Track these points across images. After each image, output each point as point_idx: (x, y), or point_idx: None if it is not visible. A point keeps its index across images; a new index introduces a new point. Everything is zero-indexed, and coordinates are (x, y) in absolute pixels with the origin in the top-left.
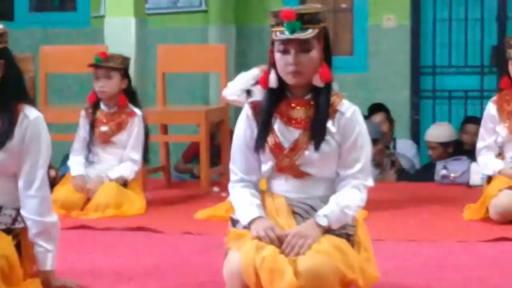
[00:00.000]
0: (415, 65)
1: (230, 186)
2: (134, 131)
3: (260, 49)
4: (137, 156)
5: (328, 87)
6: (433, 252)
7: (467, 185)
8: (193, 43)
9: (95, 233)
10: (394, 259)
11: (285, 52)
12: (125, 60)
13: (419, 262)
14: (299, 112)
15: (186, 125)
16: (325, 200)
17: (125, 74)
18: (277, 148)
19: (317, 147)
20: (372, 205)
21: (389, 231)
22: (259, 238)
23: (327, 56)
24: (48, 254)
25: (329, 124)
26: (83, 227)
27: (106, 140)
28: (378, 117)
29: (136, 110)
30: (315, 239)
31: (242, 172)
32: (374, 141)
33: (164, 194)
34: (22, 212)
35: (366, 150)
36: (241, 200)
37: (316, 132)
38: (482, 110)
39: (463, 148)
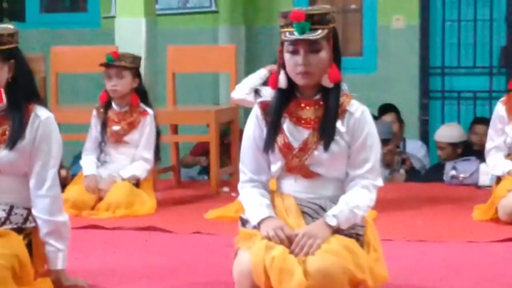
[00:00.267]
0: (424, 65)
1: (240, 186)
2: (146, 130)
3: (269, 50)
4: (149, 155)
5: (337, 87)
6: (442, 253)
7: (476, 185)
8: (203, 44)
9: (106, 232)
10: (403, 259)
11: (294, 52)
12: (136, 59)
13: (428, 262)
14: (308, 112)
15: (196, 125)
16: (334, 200)
17: (136, 73)
18: (287, 148)
19: (326, 147)
20: (381, 205)
21: (398, 231)
22: (268, 238)
23: (336, 57)
24: (59, 254)
25: (339, 124)
26: (93, 226)
27: (118, 139)
28: (388, 118)
29: (148, 109)
30: (325, 239)
31: (252, 172)
32: (385, 141)
33: (174, 194)
34: (33, 211)
35: (375, 150)
36: (251, 200)
37: (326, 132)
38: (491, 110)
39: (472, 149)
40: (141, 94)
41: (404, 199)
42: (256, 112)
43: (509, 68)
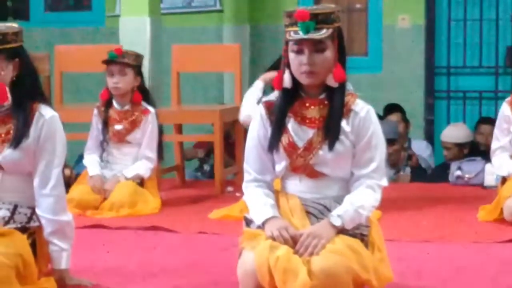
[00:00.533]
0: (430, 65)
1: (244, 186)
2: (148, 129)
3: (274, 49)
4: (152, 154)
5: (342, 87)
6: (447, 253)
7: (482, 186)
8: (207, 43)
9: (110, 232)
10: (407, 259)
11: (299, 52)
12: (139, 57)
13: (433, 262)
14: (313, 112)
15: (200, 125)
16: (339, 200)
17: (138, 71)
18: (291, 148)
19: (331, 147)
20: (386, 205)
21: (403, 232)
22: (273, 238)
23: (341, 56)
24: (63, 253)
25: (343, 123)
26: (97, 226)
27: (121, 139)
28: (393, 118)
29: (150, 108)
30: (329, 239)
31: (256, 172)
32: (391, 141)
33: (178, 193)
34: (37, 210)
35: (380, 150)
36: (255, 200)
37: (330, 132)
38: (496, 110)
39: (477, 149)
40: (143, 92)
41: (409, 199)
42: (260, 112)
43: None
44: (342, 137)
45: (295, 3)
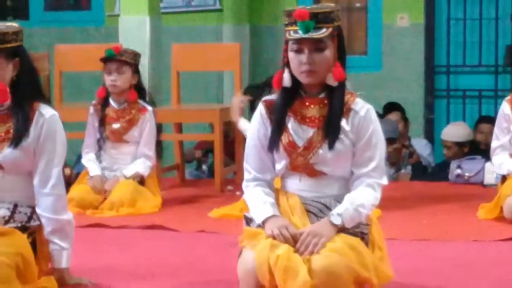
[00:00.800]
0: (429, 64)
1: (244, 185)
2: (146, 127)
3: (274, 48)
4: (151, 152)
5: (342, 86)
6: (447, 252)
7: (482, 184)
8: (207, 42)
9: (110, 231)
10: (407, 258)
11: (299, 51)
12: (137, 56)
13: (433, 261)
14: (313, 111)
15: (200, 124)
16: (339, 199)
17: (136, 70)
18: (291, 147)
19: (331, 146)
20: (386, 204)
21: (403, 230)
22: (273, 237)
23: (341, 55)
24: (63, 252)
25: (343, 122)
26: (98, 225)
27: (119, 138)
28: (393, 116)
29: (147, 106)
30: (329, 237)
31: (256, 170)
32: (391, 140)
33: (178, 192)
34: (37, 210)
35: (380, 149)
36: (255, 199)
37: (330, 131)
38: (496, 109)
39: (477, 148)
40: (140, 91)
41: (409, 197)
42: (260, 111)
43: None
44: (342, 136)
45: (295, 2)
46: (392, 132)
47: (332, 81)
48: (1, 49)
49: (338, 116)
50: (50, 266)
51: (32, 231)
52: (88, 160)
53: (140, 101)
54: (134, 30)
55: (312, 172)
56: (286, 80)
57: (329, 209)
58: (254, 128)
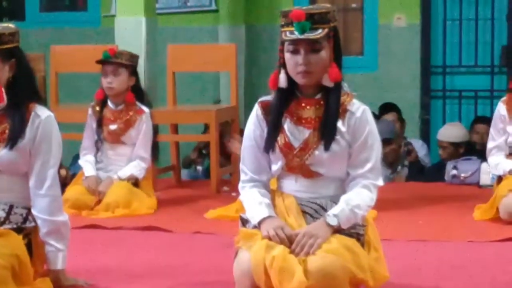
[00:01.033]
0: (425, 64)
1: (240, 185)
2: (142, 128)
3: (270, 49)
4: (146, 154)
5: (338, 86)
6: (443, 252)
7: (477, 185)
8: (203, 43)
9: (106, 232)
10: (403, 258)
11: (295, 52)
12: (133, 57)
13: (429, 262)
14: (309, 112)
15: (196, 125)
16: (335, 199)
17: (133, 71)
18: (287, 148)
19: (327, 147)
20: (382, 204)
21: (399, 231)
22: (269, 238)
23: (337, 56)
24: (58, 253)
25: (339, 123)
26: (93, 226)
27: (116, 139)
28: (389, 117)
29: (144, 108)
30: (325, 238)
31: (252, 171)
32: (388, 141)
33: (174, 193)
34: (33, 211)
35: (376, 150)
36: (251, 200)
37: (326, 132)
38: (492, 110)
39: (473, 148)
40: (138, 92)
41: (405, 198)
42: (256, 112)
43: (510, 67)
44: (338, 137)
45: (291, 3)
46: (388, 132)
47: (328, 82)
48: None
49: (334, 117)
50: (46, 267)
51: (28, 233)
52: (85, 161)
53: (138, 103)
54: (130, 31)
55: (308, 173)
56: (282, 81)
57: (325, 210)
58: (250, 129)
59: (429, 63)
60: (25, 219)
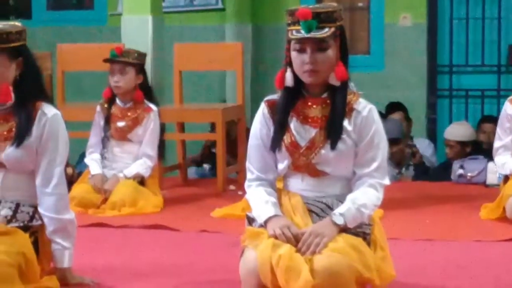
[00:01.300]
0: (432, 64)
1: (247, 184)
2: (150, 126)
3: (276, 48)
4: (152, 152)
5: (344, 85)
6: (450, 252)
7: (484, 184)
8: (209, 41)
9: (112, 230)
10: (410, 258)
11: (301, 51)
12: (141, 56)
13: (435, 261)
14: (315, 111)
15: (203, 123)
16: (341, 198)
17: (140, 69)
18: (293, 147)
19: (333, 146)
20: (389, 204)
21: (405, 230)
22: (275, 237)
23: (343, 55)
24: (65, 252)
25: (346, 122)
26: (100, 224)
27: (123, 136)
28: (395, 116)
29: (152, 106)
30: (331, 237)
31: (258, 170)
32: (395, 140)
33: (181, 192)
34: (40, 209)
35: (382, 149)
36: (257, 199)
37: (333, 131)
38: (499, 109)
39: (480, 148)
40: (146, 90)
41: (411, 198)
42: (263, 111)
43: None
44: (344, 136)
45: (297, 1)
46: (396, 132)
47: (334, 81)
48: (5, 49)
49: (341, 116)
50: (52, 265)
51: (34, 231)
52: (91, 159)
53: (146, 101)
54: (136, 30)
55: (314, 172)
56: (289, 80)
57: (331, 209)
58: (256, 128)
59: (435, 62)
60: (32, 217)
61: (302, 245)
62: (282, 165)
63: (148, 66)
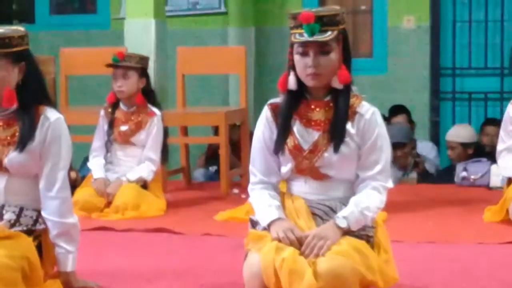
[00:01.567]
0: (435, 66)
1: (250, 187)
2: (153, 131)
3: (279, 51)
4: (155, 156)
5: (347, 88)
6: (453, 254)
7: (487, 187)
8: (212, 45)
9: (115, 234)
10: (413, 260)
11: (304, 54)
12: (143, 60)
13: (438, 264)
14: (318, 114)
15: (206, 127)
16: (344, 201)
17: (143, 73)
18: (297, 150)
19: (336, 149)
20: (392, 206)
21: (409, 233)
22: (278, 240)
23: (346, 58)
24: (68, 255)
25: (349, 125)
26: (103, 228)
27: (125, 140)
28: (399, 119)
29: (155, 110)
30: (335, 240)
31: (262, 173)
32: (401, 145)
33: (184, 195)
34: (43, 213)
35: (385, 152)
36: (261, 202)
37: (336, 134)
38: (502, 112)
39: (483, 150)
40: (149, 94)
41: (415, 200)
42: (266, 114)
43: None
44: (347, 139)
45: (300, 5)
46: (402, 137)
47: (337, 84)
48: (7, 53)
49: (344, 119)
50: (56, 269)
51: (38, 235)
52: (94, 163)
53: (149, 105)
54: (139, 34)
55: (317, 175)
56: (292, 83)
57: (335, 211)
58: (259, 131)
59: (438, 65)
60: (35, 221)
61: (305, 248)
62: (285, 168)
63: (151, 70)
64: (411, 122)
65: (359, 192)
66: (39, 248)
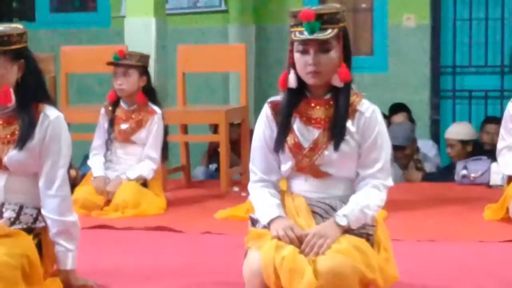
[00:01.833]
0: (435, 65)
1: (250, 186)
2: (153, 129)
3: (279, 49)
4: (156, 154)
5: (347, 87)
6: (453, 253)
7: (488, 185)
8: (213, 43)
9: (115, 232)
10: (413, 259)
11: (304, 52)
12: (143, 58)
13: (439, 262)
14: (318, 112)
15: (205, 125)
16: (344, 200)
17: (143, 71)
18: (297, 148)
19: (336, 147)
20: (392, 205)
21: (409, 231)
22: (278, 238)
23: (346, 56)
24: (68, 254)
25: (349, 123)
26: (103, 226)
27: (126, 138)
28: (399, 117)
29: (156, 108)
30: (335, 239)
31: (262, 172)
32: (403, 147)
33: (184, 193)
34: (43, 211)
35: (385, 150)
36: (261, 200)
37: (336, 132)
38: (502, 110)
39: (483, 148)
40: (149, 92)
41: (415, 199)
42: (266, 112)
43: None
44: (347, 137)
45: (300, 3)
46: (405, 139)
47: (337, 82)
48: (6, 51)
49: (344, 117)
50: (56, 267)
51: (38, 233)
52: (94, 161)
53: (150, 104)
54: (139, 32)
55: (317, 173)
56: (292, 81)
57: (335, 210)
58: (259, 129)
59: (439, 63)
60: (35, 219)
61: (305, 246)
62: (285, 166)
63: (152, 68)
64: (411, 120)
65: (359, 190)
66: (39, 246)
